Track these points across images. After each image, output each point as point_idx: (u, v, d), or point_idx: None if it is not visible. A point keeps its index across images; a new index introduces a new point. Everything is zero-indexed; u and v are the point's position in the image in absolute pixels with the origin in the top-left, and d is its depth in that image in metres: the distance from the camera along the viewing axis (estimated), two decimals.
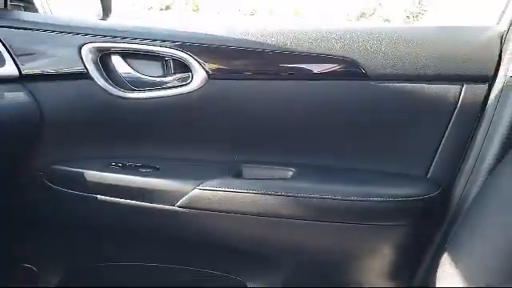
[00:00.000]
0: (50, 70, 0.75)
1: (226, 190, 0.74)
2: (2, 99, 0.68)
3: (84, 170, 0.78)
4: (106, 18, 1.07)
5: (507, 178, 0.61)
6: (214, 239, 0.80)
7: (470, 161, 0.74)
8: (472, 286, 0.56)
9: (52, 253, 0.88)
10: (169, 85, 0.77)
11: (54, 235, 0.85)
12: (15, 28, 0.74)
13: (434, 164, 0.77)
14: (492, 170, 0.69)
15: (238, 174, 0.80)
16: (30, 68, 0.74)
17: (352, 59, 0.74)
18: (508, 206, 0.57)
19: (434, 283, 0.65)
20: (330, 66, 0.76)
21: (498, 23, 0.75)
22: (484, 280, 0.56)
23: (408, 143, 0.78)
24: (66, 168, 0.79)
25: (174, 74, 0.77)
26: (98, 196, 0.78)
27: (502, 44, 0.72)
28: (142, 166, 0.79)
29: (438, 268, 0.65)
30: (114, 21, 0.83)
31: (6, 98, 0.70)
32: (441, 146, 0.76)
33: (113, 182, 0.77)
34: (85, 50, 0.75)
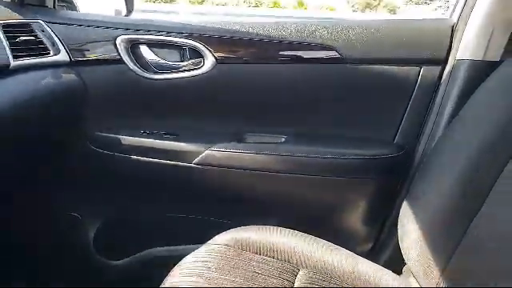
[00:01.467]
0: (93, 57, 0.90)
1: (231, 150, 0.87)
2: (59, 80, 0.84)
3: (120, 136, 0.91)
4: (129, 15, 1.22)
5: (452, 140, 0.71)
6: (221, 190, 0.93)
7: (428, 127, 0.86)
8: (430, 229, 0.62)
9: (94, 203, 1.02)
10: (185, 68, 0.90)
11: (96, 188, 0.99)
12: (66, 24, 0.90)
13: (399, 130, 0.89)
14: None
15: (241, 139, 0.92)
16: (77, 55, 0.89)
17: (332, 46, 0.87)
18: (450, 163, 0.66)
19: (397, 231, 0.72)
20: (315, 52, 0.88)
21: (450, 16, 0.86)
22: (436, 220, 0.61)
23: (378, 114, 0.90)
24: (106, 134, 0.92)
25: (189, 59, 0.90)
26: (131, 156, 0.91)
27: (452, 33, 0.84)
28: (166, 133, 0.92)
29: (399, 216, 0.73)
30: (141, 17, 1.00)
31: (61, 79, 0.85)
32: (404, 116, 0.88)
33: (143, 145, 0.90)
34: (119, 41, 0.89)
